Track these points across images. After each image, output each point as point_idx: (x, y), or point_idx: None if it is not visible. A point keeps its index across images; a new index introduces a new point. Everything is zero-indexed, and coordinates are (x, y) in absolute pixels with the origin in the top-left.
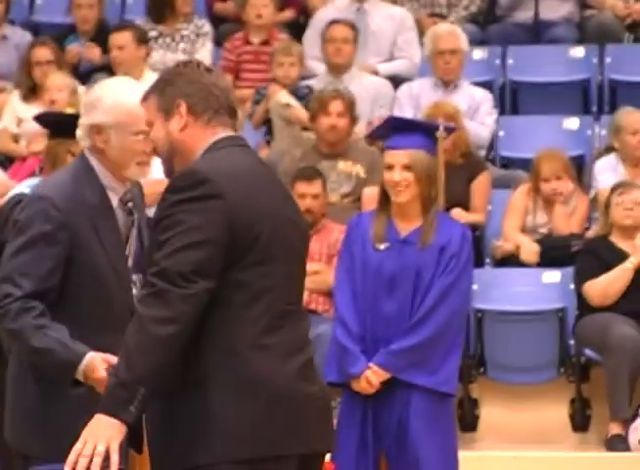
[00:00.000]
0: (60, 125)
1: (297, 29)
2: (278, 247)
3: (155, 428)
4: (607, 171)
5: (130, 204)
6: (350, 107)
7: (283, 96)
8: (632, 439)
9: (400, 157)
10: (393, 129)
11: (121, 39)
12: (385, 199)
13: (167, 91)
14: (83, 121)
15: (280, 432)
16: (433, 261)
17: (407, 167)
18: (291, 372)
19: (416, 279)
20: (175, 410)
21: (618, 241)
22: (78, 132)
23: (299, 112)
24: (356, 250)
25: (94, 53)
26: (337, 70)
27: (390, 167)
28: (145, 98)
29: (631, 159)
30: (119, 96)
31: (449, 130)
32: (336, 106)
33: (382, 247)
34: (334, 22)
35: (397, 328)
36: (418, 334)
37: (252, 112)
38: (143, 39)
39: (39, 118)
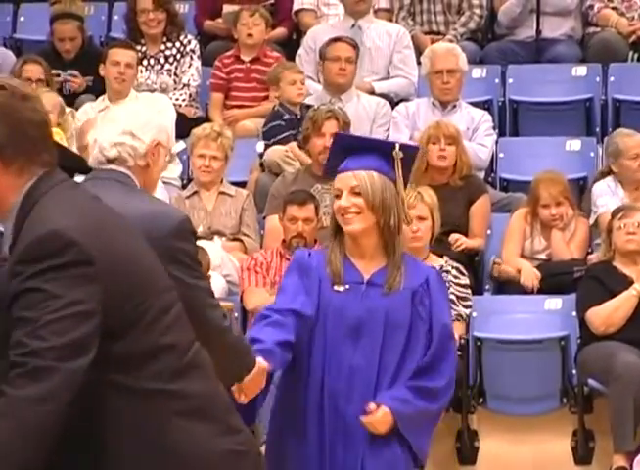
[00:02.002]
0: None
1: (288, 47)
2: (152, 289)
3: None
4: (606, 195)
5: None
6: (345, 127)
7: (286, 163)
8: None
9: (348, 180)
10: (344, 152)
11: (129, 57)
12: (339, 234)
13: None
14: (143, 139)
15: None
16: (404, 307)
17: (356, 192)
18: (208, 436)
19: (385, 326)
20: None
21: (622, 266)
22: (128, 151)
23: (304, 158)
24: (310, 285)
25: (77, 83)
26: (337, 89)
27: (338, 194)
28: None
29: (631, 182)
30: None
31: (409, 150)
32: (330, 126)
33: (341, 288)
34: (336, 39)
35: (362, 381)
36: (440, 377)
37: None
38: (140, 61)
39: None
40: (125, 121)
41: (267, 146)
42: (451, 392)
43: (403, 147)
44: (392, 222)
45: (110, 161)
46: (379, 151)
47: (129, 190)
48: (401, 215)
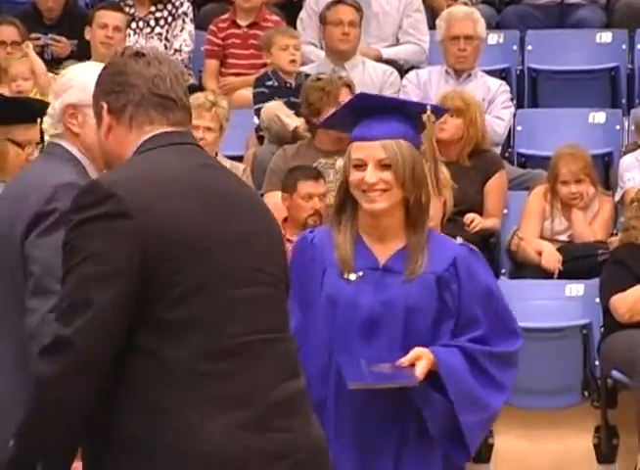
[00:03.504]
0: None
1: (288, 11)
2: (217, 271)
3: None
4: (634, 169)
5: None
6: None
7: (286, 116)
8: None
9: (374, 150)
10: (360, 113)
11: (118, 20)
12: (347, 210)
13: (97, 86)
14: (55, 106)
15: None
16: (428, 296)
17: (384, 165)
18: (227, 428)
19: (406, 320)
20: None
21: None
22: (47, 120)
23: (305, 134)
24: (314, 280)
25: (61, 47)
26: (340, 56)
27: (360, 165)
28: None
29: None
30: (93, 75)
31: (439, 112)
32: (345, 95)
33: (352, 277)
34: (338, 1)
35: (378, 406)
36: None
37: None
38: (128, 24)
39: None
40: (54, 88)
41: (256, 111)
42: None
43: (434, 109)
44: (424, 198)
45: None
46: (405, 113)
47: (45, 161)
48: (431, 190)
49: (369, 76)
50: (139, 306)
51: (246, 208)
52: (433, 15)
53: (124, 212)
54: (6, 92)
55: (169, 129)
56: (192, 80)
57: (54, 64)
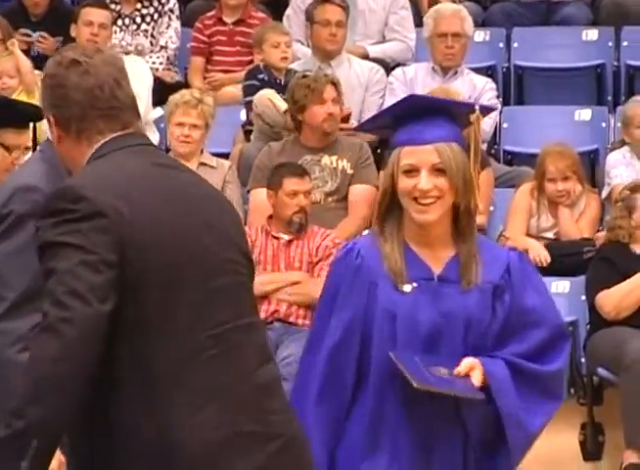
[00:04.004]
0: None
1: (274, 8)
2: (193, 262)
3: None
4: (620, 165)
5: None
6: (340, 93)
7: (278, 100)
8: None
9: (428, 155)
10: (407, 115)
11: (103, 17)
12: (392, 218)
13: (41, 98)
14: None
15: None
16: (486, 306)
17: (439, 170)
18: (210, 426)
19: (466, 332)
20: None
21: (638, 247)
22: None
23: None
24: (360, 296)
25: (48, 44)
26: (327, 55)
27: (412, 171)
28: None
29: None
30: None
31: (485, 112)
32: (330, 92)
33: (407, 288)
34: (324, 0)
35: (444, 403)
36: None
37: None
38: (114, 21)
39: None
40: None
41: (246, 104)
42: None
43: (482, 109)
44: (472, 204)
45: None
46: (453, 114)
47: (30, 161)
48: (479, 194)
49: (355, 74)
50: (120, 300)
51: (205, 199)
52: (418, 12)
53: (98, 212)
54: None
55: (119, 134)
56: (178, 77)
57: (40, 61)
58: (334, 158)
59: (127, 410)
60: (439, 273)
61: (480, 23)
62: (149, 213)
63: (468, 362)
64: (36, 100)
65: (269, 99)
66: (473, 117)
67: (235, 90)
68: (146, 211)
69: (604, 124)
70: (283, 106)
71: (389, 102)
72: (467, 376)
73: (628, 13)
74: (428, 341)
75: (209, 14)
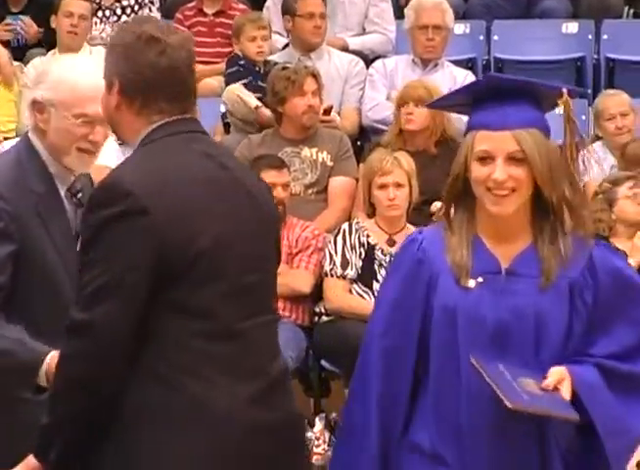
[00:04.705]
0: None
1: (255, 0)
2: (225, 260)
3: None
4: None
5: (80, 195)
6: (320, 86)
7: (247, 95)
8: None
9: (505, 142)
10: (486, 97)
11: (83, 8)
12: (463, 208)
13: (107, 60)
14: (27, 96)
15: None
16: (561, 306)
17: (517, 159)
18: (238, 398)
19: (537, 332)
20: (101, 461)
21: (618, 241)
22: (24, 110)
23: (266, 111)
24: (419, 292)
25: (31, 32)
26: (308, 47)
27: (486, 159)
28: None
29: (616, 147)
30: (68, 72)
31: (574, 94)
32: (311, 84)
33: (471, 283)
34: None
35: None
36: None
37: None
38: (94, 12)
39: None
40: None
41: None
42: None
43: (570, 91)
44: (568, 194)
45: None
46: (537, 98)
47: (18, 157)
48: (578, 185)
49: (334, 66)
50: (157, 293)
51: (248, 194)
52: (398, 4)
53: (142, 210)
54: None
55: (175, 117)
56: None
57: (20, 52)
58: (314, 150)
59: (157, 387)
60: (508, 267)
61: (460, 16)
62: (194, 210)
63: (556, 373)
64: (15, 92)
65: (237, 95)
66: (562, 101)
67: (214, 82)
68: (191, 208)
69: (584, 117)
70: (253, 102)
71: (370, 94)
72: (556, 389)
73: (609, 6)
74: (494, 341)
75: (190, 5)
